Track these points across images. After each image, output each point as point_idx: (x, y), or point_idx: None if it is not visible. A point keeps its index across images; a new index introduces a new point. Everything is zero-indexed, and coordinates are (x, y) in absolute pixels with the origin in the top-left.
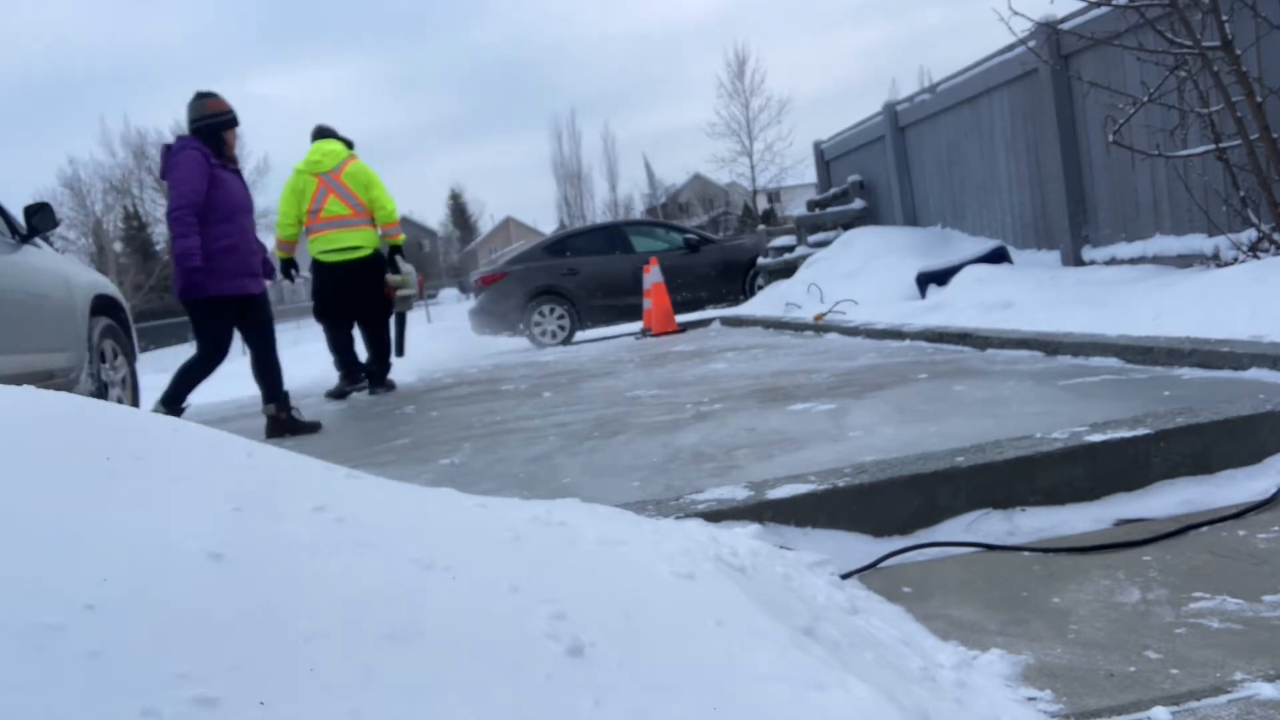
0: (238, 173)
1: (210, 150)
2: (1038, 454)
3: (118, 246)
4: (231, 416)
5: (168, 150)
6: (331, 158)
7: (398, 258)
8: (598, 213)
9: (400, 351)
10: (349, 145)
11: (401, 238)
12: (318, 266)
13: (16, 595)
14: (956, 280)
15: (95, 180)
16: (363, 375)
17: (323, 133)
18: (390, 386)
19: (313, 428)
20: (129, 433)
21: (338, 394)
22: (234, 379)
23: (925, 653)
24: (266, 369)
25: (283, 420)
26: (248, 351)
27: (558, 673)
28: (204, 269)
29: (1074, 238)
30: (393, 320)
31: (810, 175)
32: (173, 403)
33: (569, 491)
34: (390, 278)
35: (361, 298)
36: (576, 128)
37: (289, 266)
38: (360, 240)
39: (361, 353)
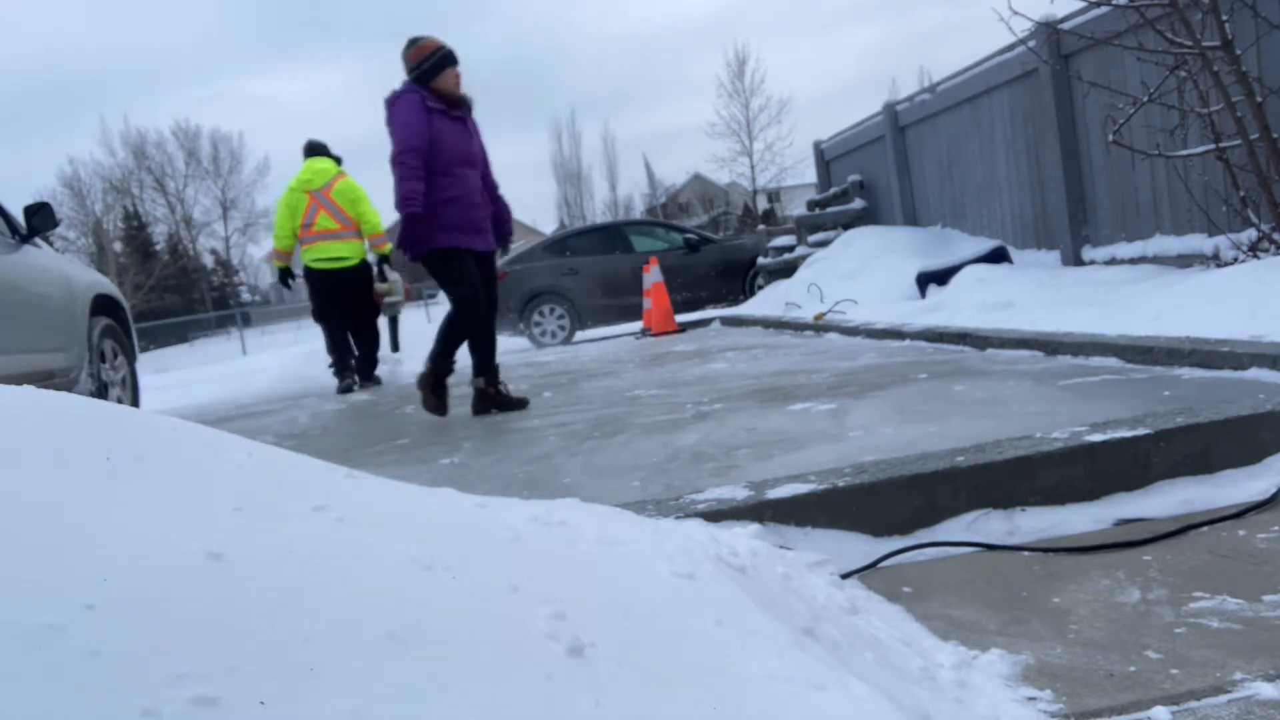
0: (461, 120)
1: (432, 96)
2: (1038, 454)
3: (118, 246)
4: (232, 416)
5: (388, 101)
6: (321, 176)
7: (385, 267)
8: (598, 213)
9: (395, 348)
10: (338, 162)
11: (388, 247)
12: (310, 274)
13: (16, 595)
14: (956, 280)
15: (95, 180)
16: (352, 372)
17: (314, 149)
18: (377, 381)
19: (521, 404)
20: (129, 433)
21: (344, 390)
22: (233, 379)
23: (925, 653)
24: (478, 338)
25: (490, 394)
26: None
27: (558, 673)
28: (427, 220)
29: (1074, 238)
30: (385, 323)
31: (810, 175)
32: (442, 359)
33: (569, 491)
34: (378, 286)
35: (350, 301)
36: (576, 128)
37: (286, 275)
38: (347, 251)
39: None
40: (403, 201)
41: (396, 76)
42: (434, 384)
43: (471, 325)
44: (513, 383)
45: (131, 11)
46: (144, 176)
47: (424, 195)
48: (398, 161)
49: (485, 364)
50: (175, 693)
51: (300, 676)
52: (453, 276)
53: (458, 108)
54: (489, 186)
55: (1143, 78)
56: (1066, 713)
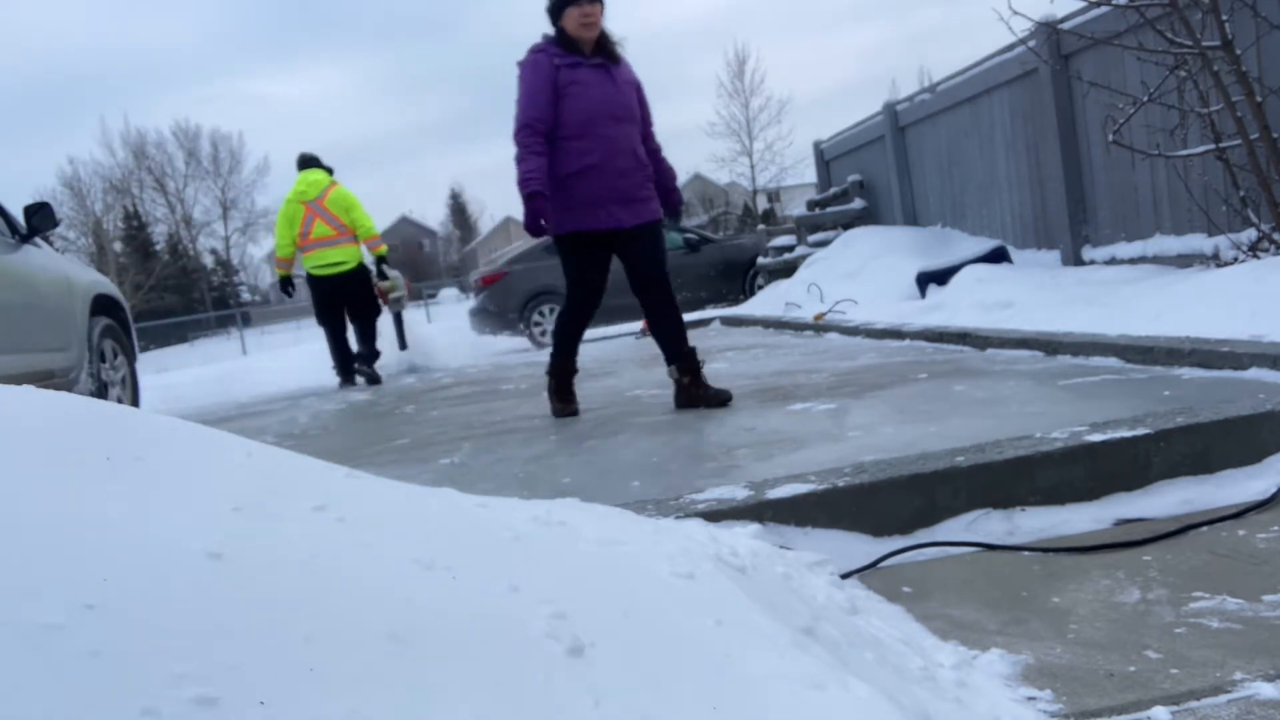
0: (604, 68)
1: (560, 49)
2: (1038, 454)
3: (118, 246)
4: (232, 416)
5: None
6: (315, 187)
7: (384, 266)
8: None
9: (403, 345)
10: (330, 172)
11: (384, 249)
12: (311, 280)
13: (16, 595)
14: (956, 280)
15: (95, 180)
16: (355, 377)
17: (306, 162)
18: (377, 380)
19: (721, 398)
20: (129, 432)
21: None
22: (231, 378)
23: (925, 652)
24: (658, 320)
25: (684, 385)
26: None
27: (558, 673)
28: (550, 197)
29: (1074, 237)
30: (391, 321)
31: (810, 175)
32: (561, 364)
33: (569, 491)
34: (381, 284)
35: (350, 302)
36: None
37: (286, 283)
38: (344, 256)
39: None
40: (521, 182)
41: (396, 75)
42: (555, 387)
43: (573, 324)
44: (512, 383)
45: (131, 11)
46: (144, 176)
47: (546, 171)
48: (515, 139)
49: (676, 353)
50: (175, 693)
51: (300, 676)
52: (568, 270)
53: (596, 55)
54: (650, 150)
55: (1143, 78)
56: (1066, 713)
